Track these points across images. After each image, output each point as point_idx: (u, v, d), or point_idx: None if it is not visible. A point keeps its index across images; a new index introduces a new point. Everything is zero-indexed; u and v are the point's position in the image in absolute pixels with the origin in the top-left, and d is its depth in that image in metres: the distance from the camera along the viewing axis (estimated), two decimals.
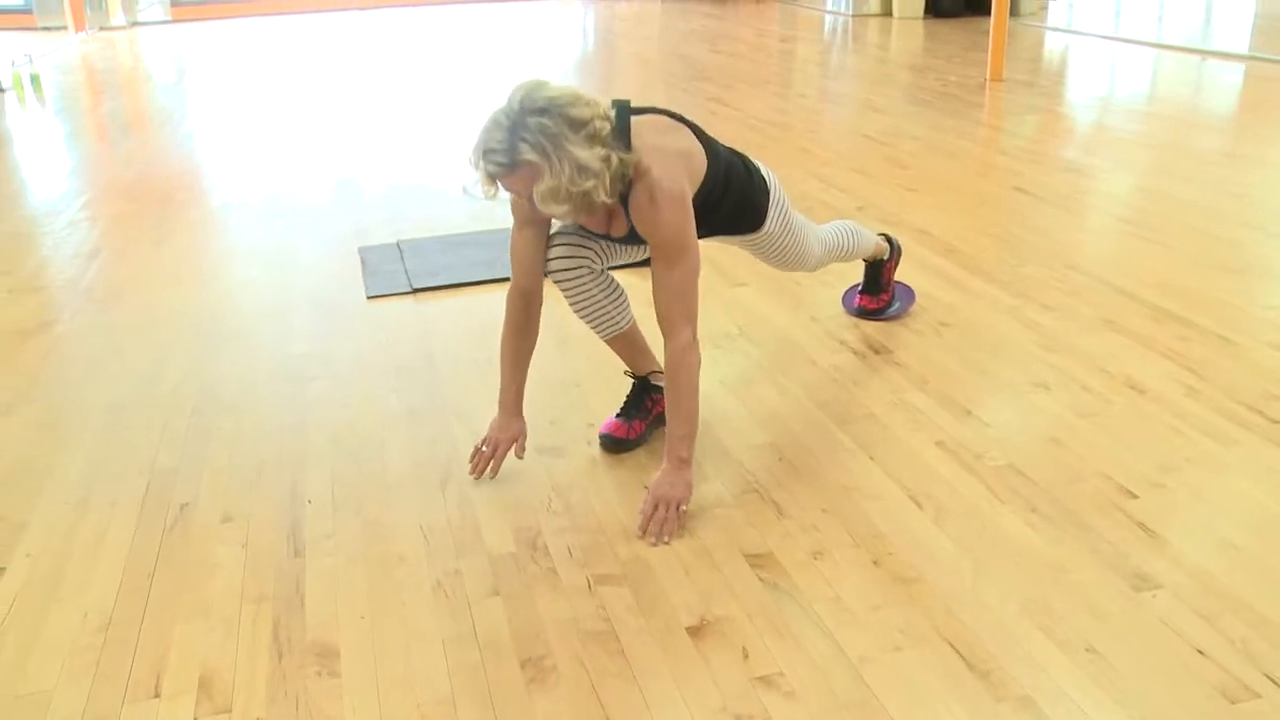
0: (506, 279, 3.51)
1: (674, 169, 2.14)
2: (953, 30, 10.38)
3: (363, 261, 3.82)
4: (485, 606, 1.95)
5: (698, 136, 2.28)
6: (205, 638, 1.90)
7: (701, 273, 3.56)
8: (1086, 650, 1.78)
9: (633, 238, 2.24)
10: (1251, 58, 8.61)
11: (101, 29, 12.77)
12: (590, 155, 1.96)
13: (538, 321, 2.39)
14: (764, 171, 2.52)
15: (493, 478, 2.39)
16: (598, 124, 1.99)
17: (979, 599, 1.93)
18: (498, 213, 4.46)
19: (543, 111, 1.95)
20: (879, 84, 7.73)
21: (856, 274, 3.35)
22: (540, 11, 14.05)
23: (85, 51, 11.03)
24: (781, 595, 1.95)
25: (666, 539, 2.12)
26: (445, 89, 8.08)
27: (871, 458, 2.43)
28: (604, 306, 2.45)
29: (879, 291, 3.18)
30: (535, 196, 1.99)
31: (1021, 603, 1.91)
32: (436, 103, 7.52)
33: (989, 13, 7.80)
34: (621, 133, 2.07)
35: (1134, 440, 2.48)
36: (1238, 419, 2.56)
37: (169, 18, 13.77)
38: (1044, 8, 11.44)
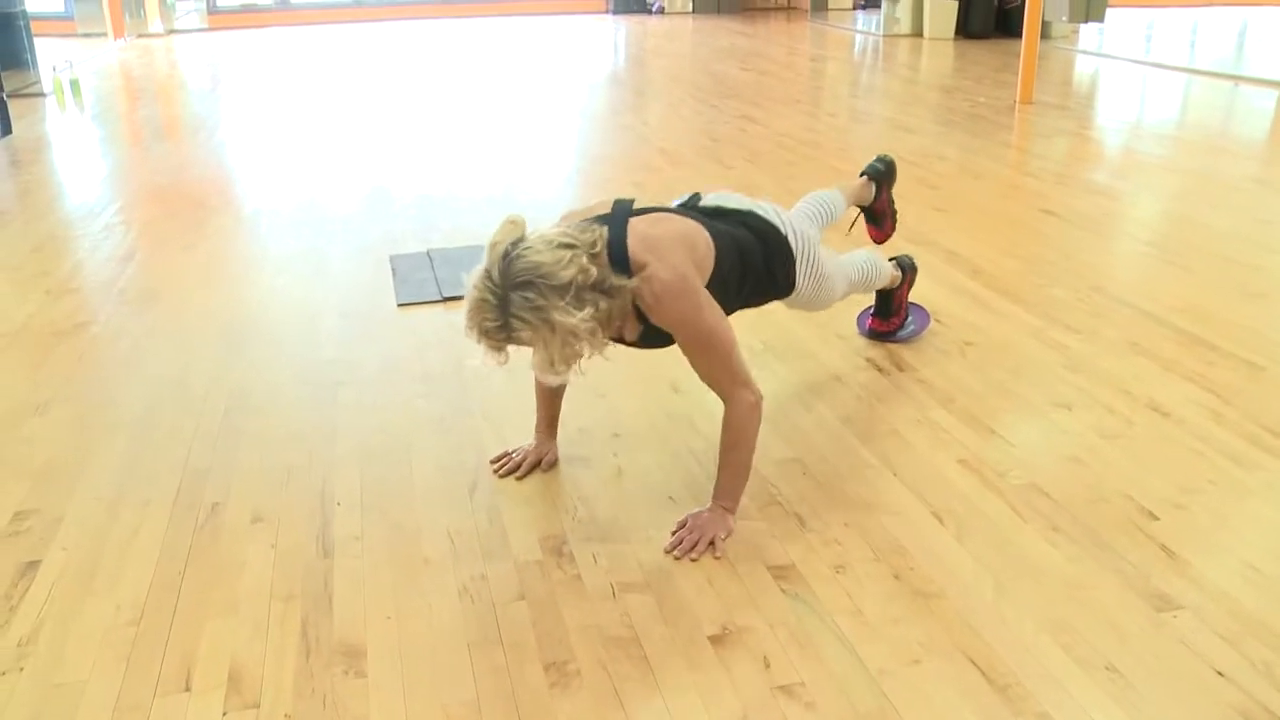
0: None
1: (671, 257, 2.12)
2: (982, 51, 10.39)
3: (393, 269, 3.87)
4: (510, 611, 1.98)
5: (702, 223, 2.29)
6: (234, 634, 1.94)
7: None
8: (1106, 669, 1.79)
9: (647, 338, 2.22)
10: None
11: (139, 36, 12.96)
12: (578, 320, 1.96)
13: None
14: (784, 229, 2.47)
15: (519, 479, 2.44)
16: (581, 279, 1.98)
17: (999, 615, 1.94)
18: (533, 224, 4.51)
19: (527, 285, 1.94)
20: (909, 104, 7.75)
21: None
22: (572, 25, 14.15)
23: (123, 58, 11.19)
24: (803, 607, 1.97)
25: (693, 557, 2.15)
26: (476, 100, 8.15)
27: (894, 474, 2.45)
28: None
29: (890, 315, 3.19)
30: (533, 366, 2.05)
31: (1041, 620, 1.92)
32: (467, 113, 7.59)
33: (1019, 35, 7.82)
34: (617, 252, 2.08)
35: (1156, 462, 2.49)
36: (1261, 444, 2.56)
37: (205, 26, 13.96)
38: (1075, 31, 11.43)
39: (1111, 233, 4.41)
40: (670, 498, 2.37)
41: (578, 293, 1.97)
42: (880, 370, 3.00)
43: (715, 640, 1.88)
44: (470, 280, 2.01)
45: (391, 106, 7.96)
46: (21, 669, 1.85)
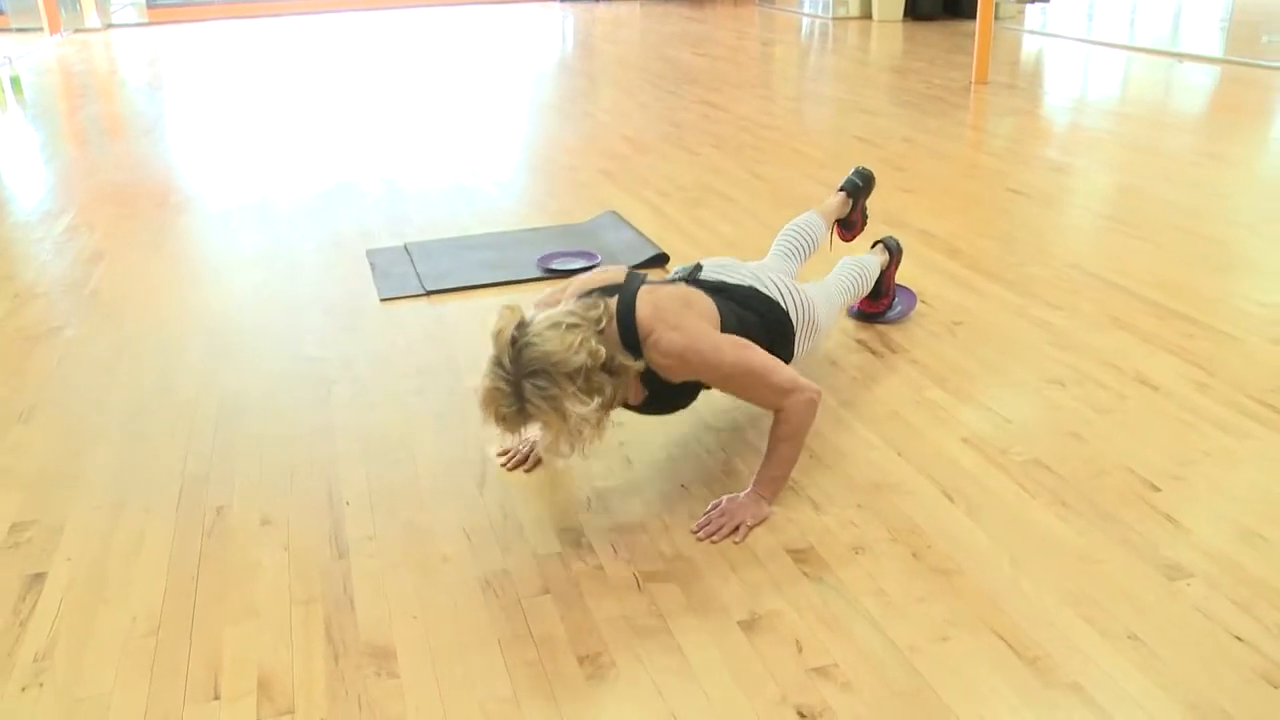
0: (520, 280, 3.56)
1: (673, 317, 2.17)
2: (932, 33, 10.48)
3: (371, 265, 3.83)
4: (536, 605, 1.98)
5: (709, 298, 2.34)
6: (257, 639, 1.92)
7: None
8: (1129, 638, 1.83)
9: (652, 403, 2.27)
10: (1225, 61, 8.76)
11: (76, 31, 12.66)
12: (588, 409, 2.01)
13: None
14: (784, 304, 2.50)
15: (527, 471, 2.45)
16: (590, 362, 2.02)
17: (1019, 589, 1.97)
18: (505, 214, 4.49)
19: (539, 374, 1.99)
20: (865, 86, 7.80)
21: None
22: (520, 14, 14.05)
23: (61, 54, 10.93)
24: (827, 589, 1.99)
25: (715, 540, 2.16)
26: (432, 90, 8.07)
27: (900, 454, 2.48)
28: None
29: (879, 296, 3.22)
30: (541, 450, 2.17)
31: (1061, 593, 1.96)
32: (425, 104, 7.52)
33: (967, 16, 7.90)
34: (625, 319, 2.14)
35: (1151, 435, 2.54)
36: (1248, 413, 2.63)
37: (145, 20, 13.67)
38: (1021, 11, 11.57)
39: (1077, 210, 4.48)
40: (683, 485, 2.38)
41: (588, 376, 2.02)
42: (873, 352, 3.03)
43: (745, 626, 1.90)
44: (483, 369, 2.07)
45: (346, 98, 7.86)
46: (41, 684, 1.82)
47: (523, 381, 2.00)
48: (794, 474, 2.39)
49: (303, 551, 2.18)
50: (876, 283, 3.19)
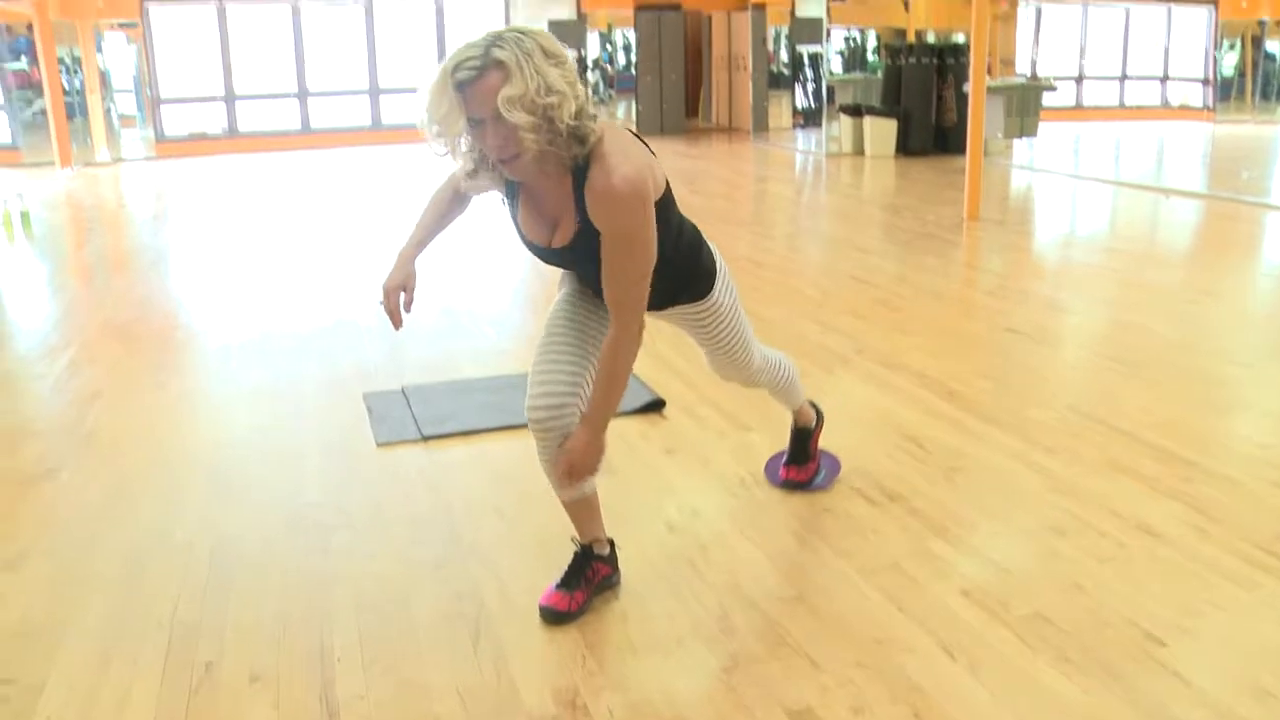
0: (518, 425, 3.55)
1: (636, 161, 2.11)
2: (924, 169, 10.71)
3: (369, 409, 3.83)
4: None
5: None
6: None
7: (709, 417, 3.62)
8: None
9: (577, 245, 2.19)
10: (1208, 195, 8.94)
11: (87, 165, 12.94)
12: (559, 78, 1.99)
13: (463, 209, 2.50)
14: (712, 247, 2.53)
15: (398, 328, 2.35)
16: (570, 65, 2.04)
17: None
18: (501, 356, 4.51)
19: (521, 32, 2.00)
20: (859, 223, 7.96)
21: (781, 438, 3.17)
22: None
23: (71, 188, 11.15)
24: None
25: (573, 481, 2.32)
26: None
27: (899, 609, 2.44)
28: None
29: (806, 461, 3.07)
30: (500, 102, 1.95)
31: None
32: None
33: (956, 150, 8.08)
34: (589, 122, 2.08)
35: (1154, 585, 2.51)
36: (1254, 561, 2.60)
37: (153, 154, 13.99)
38: (1009, 146, 11.86)
39: (1073, 348, 4.52)
40: (678, 641, 2.34)
41: (562, 67, 2.00)
42: (871, 501, 3.01)
43: None
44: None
45: (343, 231, 7.98)
46: None
47: (503, 32, 1.98)
48: (790, 630, 2.36)
49: (292, 711, 2.13)
50: (804, 444, 3.06)
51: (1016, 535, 2.80)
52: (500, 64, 1.96)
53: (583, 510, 2.50)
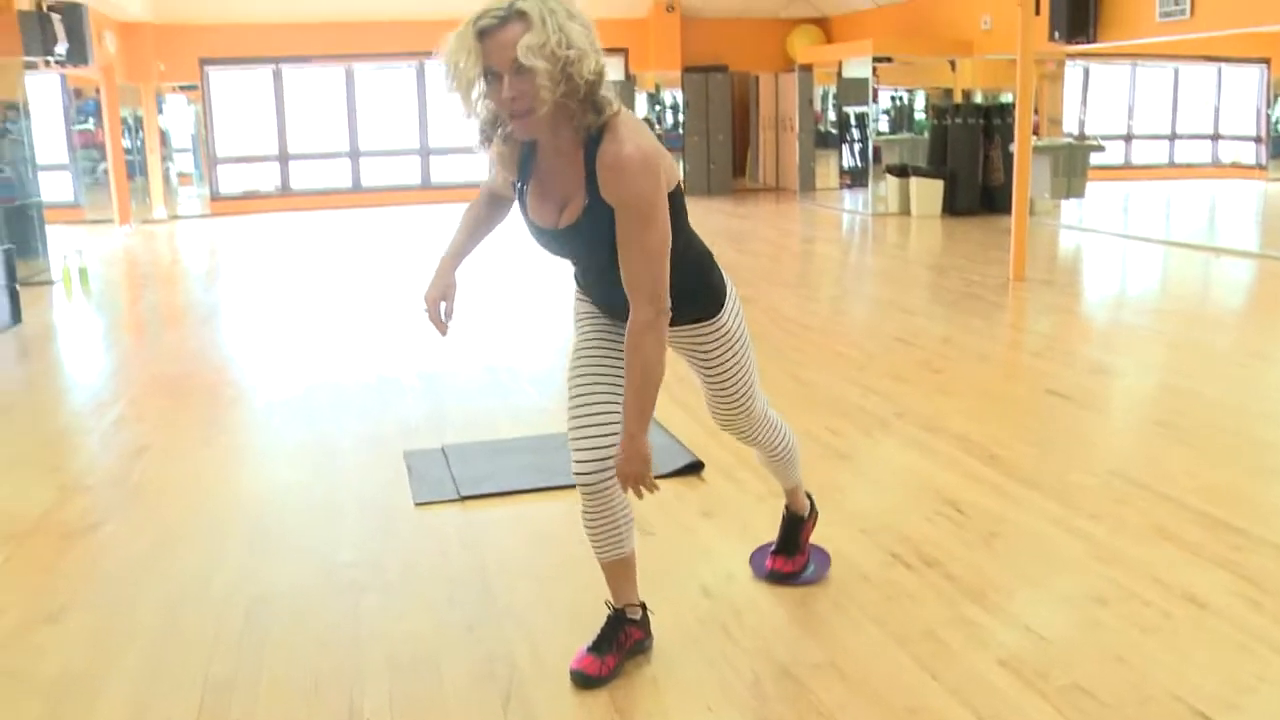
0: (556, 487, 3.56)
1: (650, 141, 2.12)
2: (970, 228, 10.68)
3: (409, 467, 3.86)
4: None
5: None
6: None
7: (748, 481, 3.60)
8: None
9: (585, 221, 2.17)
10: (1261, 255, 8.82)
11: (144, 222, 13.25)
12: (581, 35, 2.01)
13: (500, 217, 2.50)
14: (727, 278, 2.49)
15: (443, 335, 2.40)
16: (593, 29, 2.04)
17: None
18: (542, 415, 4.53)
19: None
20: (904, 284, 7.93)
21: (769, 529, 3.02)
22: None
23: (129, 244, 11.42)
24: None
25: (644, 492, 2.26)
26: (470, 278, 8.28)
27: (933, 677, 2.40)
28: (619, 525, 2.41)
29: (795, 552, 2.89)
30: (520, 49, 1.96)
31: None
32: (468, 295, 7.70)
33: (1004, 210, 8.05)
34: (602, 111, 2.09)
35: (1201, 657, 2.45)
36: None
37: (208, 211, 14.30)
38: (1057, 205, 11.79)
39: (1119, 412, 4.45)
40: (708, 707, 2.31)
41: (586, 30, 2.02)
42: (907, 566, 2.97)
43: None
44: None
45: (390, 287, 8.08)
46: None
47: None
48: (821, 698, 2.32)
49: None
50: (794, 536, 2.90)
51: (1056, 603, 2.75)
52: (523, 14, 1.99)
53: (620, 571, 2.48)
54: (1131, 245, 9.61)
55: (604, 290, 2.33)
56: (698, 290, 2.39)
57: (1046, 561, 2.99)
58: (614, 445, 2.29)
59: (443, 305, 2.37)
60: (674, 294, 2.19)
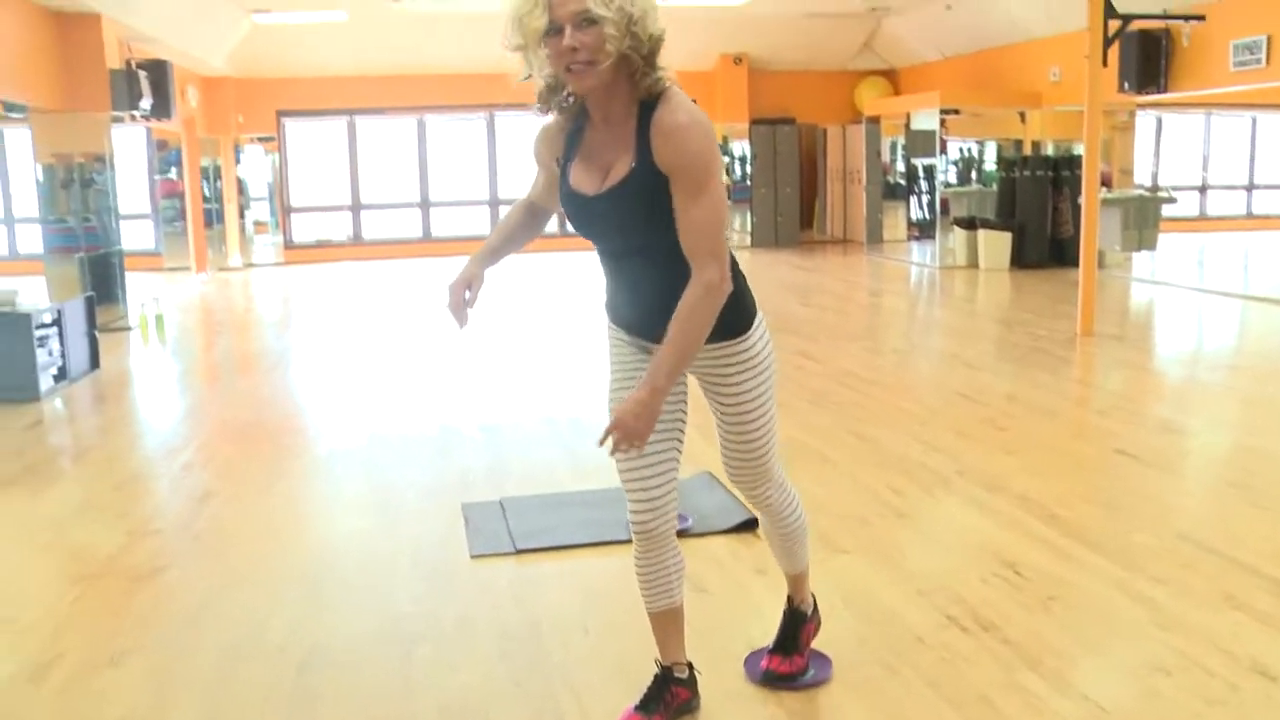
0: (610, 542, 3.57)
1: (705, 115, 2.15)
2: (1039, 281, 10.55)
3: (466, 519, 3.89)
4: None
5: None
6: None
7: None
8: None
9: (627, 186, 2.16)
10: None
11: (220, 270, 13.60)
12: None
13: (539, 228, 2.53)
14: (754, 295, 2.42)
15: (462, 326, 2.40)
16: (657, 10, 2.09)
17: None
18: (602, 470, 4.54)
19: None
20: (970, 338, 7.84)
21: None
22: None
23: (204, 292, 11.72)
24: None
25: (623, 450, 2.18)
26: (535, 330, 8.36)
27: None
28: (670, 574, 2.39)
29: (793, 651, 2.67)
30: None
31: None
32: (527, 343, 7.78)
33: (1073, 263, 7.94)
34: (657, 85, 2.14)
35: None
36: None
37: (281, 260, 14.63)
38: (1128, 258, 11.62)
39: (1190, 473, 4.35)
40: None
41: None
42: (963, 629, 2.92)
43: None
44: None
45: (455, 337, 8.19)
46: None
47: None
48: None
49: None
50: (795, 634, 2.69)
51: (1116, 671, 2.68)
52: None
53: (668, 623, 2.45)
54: (1205, 299, 9.41)
55: (631, 296, 2.34)
56: (729, 304, 2.27)
57: (1107, 627, 2.92)
58: (668, 487, 2.31)
59: (466, 294, 2.38)
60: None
